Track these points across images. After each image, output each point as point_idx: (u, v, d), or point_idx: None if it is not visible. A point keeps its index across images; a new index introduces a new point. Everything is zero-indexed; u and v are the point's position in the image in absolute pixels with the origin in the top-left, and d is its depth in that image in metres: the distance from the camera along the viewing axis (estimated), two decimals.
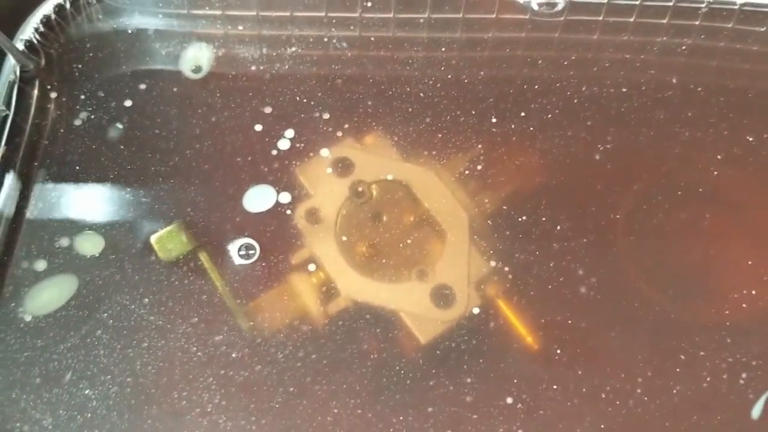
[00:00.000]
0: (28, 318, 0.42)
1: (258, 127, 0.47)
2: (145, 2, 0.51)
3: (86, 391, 0.41)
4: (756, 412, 0.40)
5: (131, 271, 0.43)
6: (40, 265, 0.43)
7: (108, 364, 0.41)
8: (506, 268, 0.44)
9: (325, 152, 0.47)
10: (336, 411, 0.41)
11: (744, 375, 0.42)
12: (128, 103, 0.48)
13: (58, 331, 0.42)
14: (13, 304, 0.42)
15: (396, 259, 0.45)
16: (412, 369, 0.42)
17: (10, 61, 0.47)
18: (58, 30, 0.49)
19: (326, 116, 0.48)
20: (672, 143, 0.48)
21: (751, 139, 0.48)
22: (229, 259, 0.44)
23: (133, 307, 0.42)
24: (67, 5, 0.50)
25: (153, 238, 0.42)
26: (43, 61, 0.49)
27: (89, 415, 0.40)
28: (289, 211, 0.45)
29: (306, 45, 0.51)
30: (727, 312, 0.43)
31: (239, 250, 0.44)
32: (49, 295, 0.42)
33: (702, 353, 0.42)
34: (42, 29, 0.49)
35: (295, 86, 0.49)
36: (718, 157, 0.47)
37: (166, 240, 0.42)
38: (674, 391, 0.41)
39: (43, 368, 0.41)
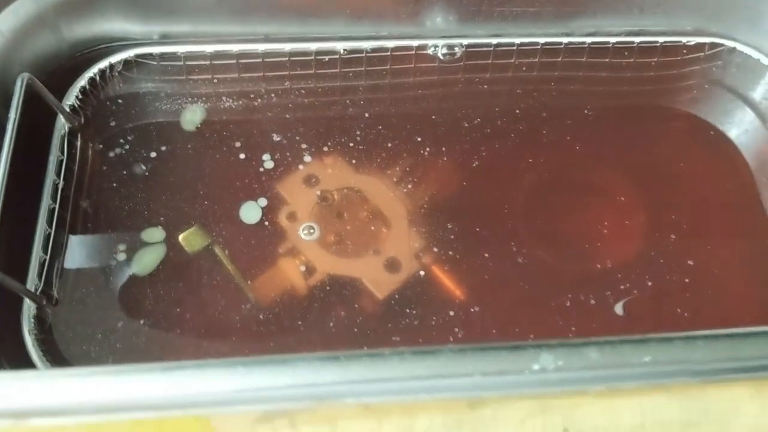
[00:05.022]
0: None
1: (244, 158, 0.64)
2: (152, 70, 0.68)
3: None
4: (618, 309, 0.58)
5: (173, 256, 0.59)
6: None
7: None
8: (435, 244, 0.61)
9: (298, 170, 0.64)
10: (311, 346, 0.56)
11: (608, 293, 0.60)
12: (153, 154, 0.63)
13: None
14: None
15: (356, 243, 0.62)
16: (374, 316, 0.58)
17: (61, 120, 0.62)
18: (92, 96, 0.65)
19: (301, 146, 0.65)
20: (548, 152, 0.66)
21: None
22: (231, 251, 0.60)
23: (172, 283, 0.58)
24: (97, 78, 0.66)
25: (180, 237, 0.59)
26: (83, 119, 0.65)
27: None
28: (274, 215, 0.62)
29: (275, 94, 0.68)
30: (596, 259, 0.62)
31: (303, 230, 0.60)
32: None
33: (582, 288, 0.60)
34: (80, 96, 0.64)
35: (271, 126, 0.66)
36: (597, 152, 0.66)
37: (190, 237, 0.59)
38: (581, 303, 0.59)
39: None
